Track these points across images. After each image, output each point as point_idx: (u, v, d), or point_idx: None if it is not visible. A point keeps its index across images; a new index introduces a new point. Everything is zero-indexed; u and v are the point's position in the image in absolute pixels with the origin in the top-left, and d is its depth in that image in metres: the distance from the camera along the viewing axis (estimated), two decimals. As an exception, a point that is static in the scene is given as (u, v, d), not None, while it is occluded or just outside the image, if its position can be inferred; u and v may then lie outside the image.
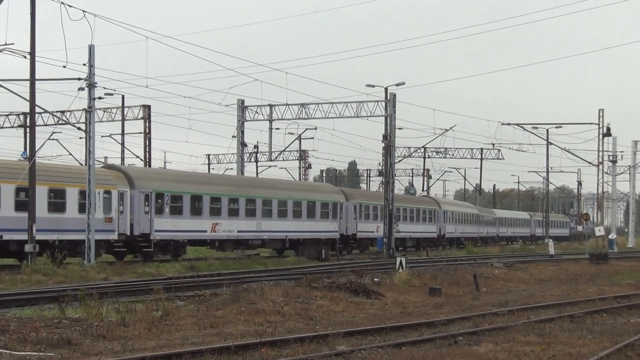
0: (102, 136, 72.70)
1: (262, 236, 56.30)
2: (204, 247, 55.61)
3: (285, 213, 58.38)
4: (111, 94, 59.83)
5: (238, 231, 54.17)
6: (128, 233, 47.17)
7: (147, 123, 68.12)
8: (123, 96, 66.00)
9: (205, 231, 51.98)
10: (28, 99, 41.04)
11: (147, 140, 68.16)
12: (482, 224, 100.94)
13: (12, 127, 72.24)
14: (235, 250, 54.54)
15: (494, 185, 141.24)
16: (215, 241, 53.70)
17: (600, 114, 78.99)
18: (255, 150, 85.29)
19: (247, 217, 54.90)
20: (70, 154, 77.39)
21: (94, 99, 44.86)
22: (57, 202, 43.43)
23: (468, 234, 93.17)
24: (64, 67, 42.24)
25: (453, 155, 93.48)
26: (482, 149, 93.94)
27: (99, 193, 44.86)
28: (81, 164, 61.84)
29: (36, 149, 42.29)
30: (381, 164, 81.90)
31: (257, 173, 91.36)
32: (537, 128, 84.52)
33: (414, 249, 76.05)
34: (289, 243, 58.92)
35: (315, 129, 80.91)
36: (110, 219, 46.01)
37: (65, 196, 43.78)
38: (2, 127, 72.23)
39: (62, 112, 63.54)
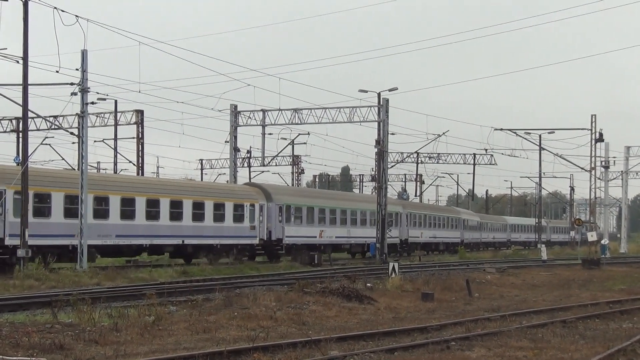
0: (94, 141, 72.80)
1: (350, 241, 67.45)
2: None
3: (365, 222, 69.06)
4: (104, 99, 59.75)
5: (335, 237, 65.28)
6: (265, 238, 57.47)
7: (139, 128, 68.06)
8: (116, 101, 65.96)
9: (315, 237, 63.02)
10: (21, 103, 41.01)
11: (139, 145, 68.11)
12: (484, 230, 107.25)
13: (5, 132, 72.16)
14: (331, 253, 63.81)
15: (487, 190, 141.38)
16: (322, 245, 63.55)
17: (593, 120, 79.15)
18: (248, 155, 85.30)
19: (340, 225, 65.97)
20: (63, 159, 77.38)
21: (87, 103, 44.82)
22: (218, 213, 53.47)
23: (476, 240, 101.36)
24: (57, 72, 42.27)
25: (446, 160, 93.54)
26: (474, 155, 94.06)
27: (246, 206, 55.64)
28: (73, 169, 61.74)
29: (29, 154, 42.27)
30: (374, 169, 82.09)
31: (249, 178, 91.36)
32: (529, 133, 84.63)
33: (445, 252, 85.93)
34: (367, 247, 68.28)
35: (308, 134, 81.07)
36: (254, 227, 56.27)
37: (224, 209, 53.89)
38: (-5, 132, 72.16)
39: (55, 117, 63.49)
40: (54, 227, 43.36)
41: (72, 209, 43.95)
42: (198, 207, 51.78)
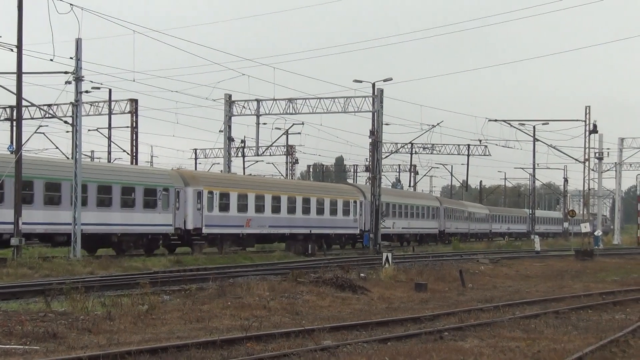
0: (88, 130, 72.62)
1: (410, 231, 79.57)
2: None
3: (419, 215, 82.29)
4: (98, 88, 59.73)
5: (402, 227, 77.23)
6: (363, 228, 67.45)
7: (134, 117, 67.95)
8: (110, 90, 65.83)
9: (390, 227, 73.05)
10: (15, 92, 40.93)
11: (134, 135, 68.01)
12: (496, 221, 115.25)
13: (-1, 120, 71.99)
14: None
15: (481, 181, 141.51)
16: (394, 235, 75.47)
17: (587, 111, 79.19)
18: (243, 145, 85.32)
19: (404, 217, 77.69)
20: (57, 148, 77.35)
21: (81, 92, 44.75)
22: (333, 208, 64.40)
23: (484, 230, 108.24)
24: (51, 60, 42.20)
25: (440, 151, 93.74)
26: (469, 145, 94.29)
27: (351, 202, 66.67)
28: (67, 157, 61.69)
29: (23, 143, 42.20)
30: (368, 160, 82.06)
31: (244, 168, 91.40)
32: (524, 124, 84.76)
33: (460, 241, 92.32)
34: (419, 237, 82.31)
35: (303, 124, 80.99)
36: (356, 219, 67.23)
37: (337, 205, 65.24)
38: (-12, 120, 71.97)
39: (49, 105, 63.29)
40: (231, 219, 54.15)
41: (242, 205, 55.10)
42: (320, 204, 63.14)
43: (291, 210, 60.00)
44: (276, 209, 58.43)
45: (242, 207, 55.25)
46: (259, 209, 56.75)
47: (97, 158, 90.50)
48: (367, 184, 72.87)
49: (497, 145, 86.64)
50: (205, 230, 52.03)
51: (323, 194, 64.45)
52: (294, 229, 60.12)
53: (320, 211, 63.02)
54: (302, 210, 61.03)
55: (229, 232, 54.32)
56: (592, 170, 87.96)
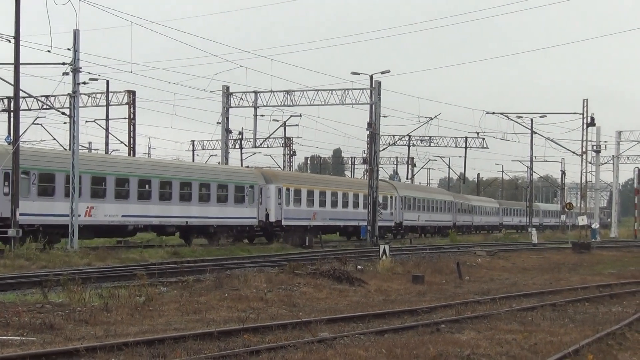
0: (86, 121, 72.57)
1: (431, 223, 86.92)
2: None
3: (437, 208, 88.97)
4: (96, 79, 59.64)
5: (425, 220, 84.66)
6: (396, 221, 76.58)
7: (131, 109, 67.91)
8: (108, 81, 65.76)
9: (415, 220, 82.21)
10: (12, 83, 40.87)
11: (131, 126, 67.97)
12: (507, 214, 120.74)
13: (-4, 111, 71.90)
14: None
15: (478, 174, 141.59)
16: (418, 226, 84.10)
17: (585, 104, 79.28)
18: (240, 136, 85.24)
19: (428, 211, 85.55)
20: (54, 139, 77.27)
21: (79, 83, 44.68)
22: (365, 202, 68.04)
23: (493, 223, 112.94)
24: (49, 51, 42.12)
25: (437, 143, 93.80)
26: (466, 138, 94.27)
27: (388, 197, 74.57)
28: (65, 149, 61.65)
29: (20, 134, 42.16)
30: (366, 152, 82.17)
31: (241, 160, 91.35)
32: (521, 117, 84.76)
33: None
34: (437, 229, 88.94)
35: (300, 116, 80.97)
36: (392, 213, 75.40)
37: (359, 199, 69.91)
38: (-15, 111, 71.87)
39: (47, 96, 63.30)
40: (302, 212, 61.83)
41: (309, 200, 62.79)
42: (356, 198, 69.72)
43: (344, 204, 67.87)
44: (334, 204, 66.38)
45: (310, 202, 62.95)
46: (322, 203, 64.76)
47: (94, 150, 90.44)
48: (365, 177, 73.05)
49: (494, 137, 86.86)
50: (284, 223, 59.44)
51: (357, 189, 70.92)
52: (347, 221, 67.93)
53: (355, 205, 69.80)
54: (352, 205, 68.77)
55: (300, 225, 61.46)
56: (590, 163, 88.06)
